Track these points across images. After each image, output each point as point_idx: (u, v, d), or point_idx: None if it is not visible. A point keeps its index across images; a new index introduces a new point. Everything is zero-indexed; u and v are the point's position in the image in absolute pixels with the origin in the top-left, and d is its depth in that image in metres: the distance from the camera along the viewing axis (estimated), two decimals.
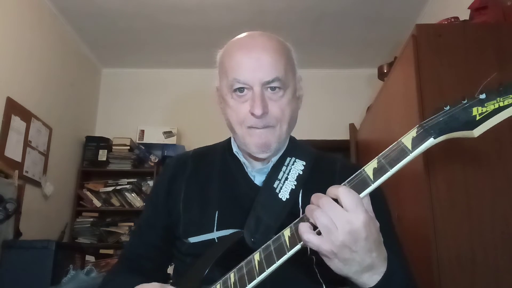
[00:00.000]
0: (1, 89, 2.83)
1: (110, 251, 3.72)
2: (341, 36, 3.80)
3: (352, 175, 0.69)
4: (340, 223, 0.64)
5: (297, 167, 0.92)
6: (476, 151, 1.71)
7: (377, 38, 3.76)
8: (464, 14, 2.12)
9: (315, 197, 0.68)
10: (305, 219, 0.68)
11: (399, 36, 3.21)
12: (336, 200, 0.65)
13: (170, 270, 1.05)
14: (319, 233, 0.65)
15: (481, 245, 1.62)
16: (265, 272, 0.71)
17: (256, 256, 0.73)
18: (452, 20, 2.07)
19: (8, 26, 2.92)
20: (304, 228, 0.66)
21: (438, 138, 0.64)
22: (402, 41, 2.12)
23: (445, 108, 0.65)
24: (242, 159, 0.95)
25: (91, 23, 3.67)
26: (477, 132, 0.63)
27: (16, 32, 3.02)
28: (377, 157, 0.67)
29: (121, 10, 3.45)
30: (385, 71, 2.80)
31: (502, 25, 1.93)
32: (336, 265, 0.67)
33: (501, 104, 0.62)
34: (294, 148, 0.97)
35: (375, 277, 0.68)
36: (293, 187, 0.89)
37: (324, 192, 0.68)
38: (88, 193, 3.90)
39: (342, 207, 0.64)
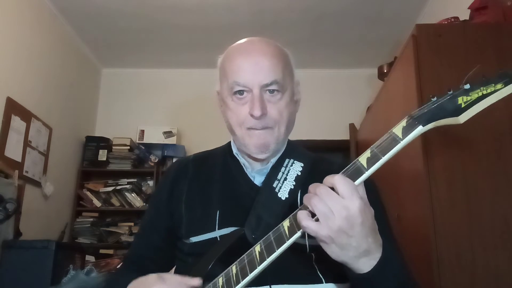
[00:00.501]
0: (1, 89, 2.83)
1: (110, 251, 3.72)
2: (341, 36, 3.81)
3: None
4: (336, 209, 0.66)
5: (296, 168, 0.94)
6: (476, 151, 1.71)
7: (377, 38, 3.76)
8: (464, 14, 2.12)
9: (313, 186, 0.70)
10: (303, 209, 0.70)
11: (399, 36, 3.22)
12: (332, 189, 0.68)
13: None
14: (317, 220, 0.68)
15: (481, 245, 1.62)
16: (265, 261, 0.72)
17: (257, 248, 0.75)
18: (452, 20, 2.07)
19: (8, 26, 2.92)
20: (302, 215, 0.69)
21: (427, 126, 0.68)
22: (402, 41, 2.12)
23: (432, 99, 0.69)
24: (242, 160, 0.97)
25: (91, 23, 3.67)
26: (463, 118, 0.67)
27: (16, 32, 3.02)
28: (370, 147, 0.71)
29: (121, 10, 3.45)
30: (385, 71, 2.80)
31: (502, 25, 1.93)
32: (333, 251, 0.69)
33: (484, 92, 0.65)
34: (293, 150, 0.99)
35: (371, 262, 0.71)
36: (292, 187, 0.91)
37: None
38: (88, 193, 3.90)
39: (338, 194, 0.67)
